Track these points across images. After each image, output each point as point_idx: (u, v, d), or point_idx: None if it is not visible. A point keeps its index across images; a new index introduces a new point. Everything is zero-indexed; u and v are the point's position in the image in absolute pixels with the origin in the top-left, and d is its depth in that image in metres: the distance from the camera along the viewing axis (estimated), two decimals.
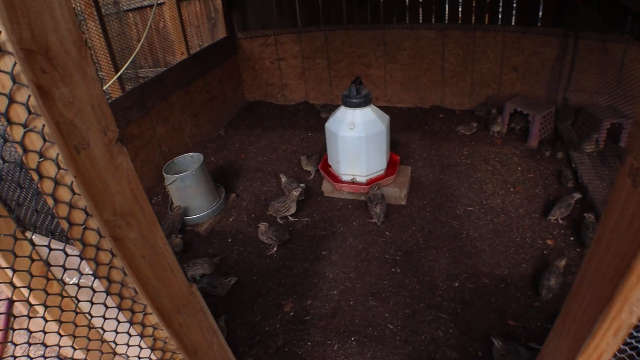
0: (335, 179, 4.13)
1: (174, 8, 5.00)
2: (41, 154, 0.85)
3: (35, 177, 0.88)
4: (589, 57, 4.64)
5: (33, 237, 1.74)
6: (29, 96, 0.79)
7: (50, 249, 1.02)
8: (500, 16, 5.20)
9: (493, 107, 5.26)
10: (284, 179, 4.16)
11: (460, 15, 5.38)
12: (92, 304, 1.14)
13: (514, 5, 5.11)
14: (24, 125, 0.81)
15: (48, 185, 0.89)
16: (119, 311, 1.22)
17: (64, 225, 0.96)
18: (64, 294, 1.21)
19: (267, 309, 3.08)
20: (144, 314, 1.22)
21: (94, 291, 1.12)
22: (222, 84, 5.85)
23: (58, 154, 0.86)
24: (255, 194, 4.41)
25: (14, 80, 0.77)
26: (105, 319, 1.23)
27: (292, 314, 3.02)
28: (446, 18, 5.43)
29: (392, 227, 3.75)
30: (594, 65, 4.58)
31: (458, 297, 3.02)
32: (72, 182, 0.91)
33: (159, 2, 4.93)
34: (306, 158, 4.52)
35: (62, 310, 1.14)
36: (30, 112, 0.80)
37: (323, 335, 2.83)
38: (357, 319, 2.93)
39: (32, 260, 1.01)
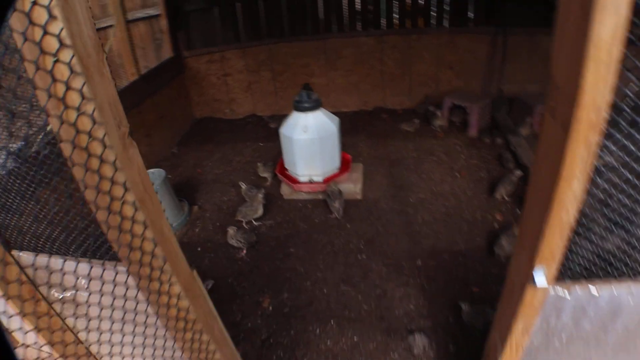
0: (293, 181, 4.30)
1: (124, 30, 5.06)
2: (90, 134, 0.99)
3: (84, 156, 1.01)
4: (518, 51, 5.11)
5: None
6: (84, 83, 0.93)
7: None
8: (434, 20, 5.63)
9: (432, 103, 5.64)
10: (244, 187, 4.29)
11: (397, 20, 5.76)
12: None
13: (447, 8, 5.54)
14: (77, 109, 0.95)
15: (94, 163, 1.03)
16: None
17: (106, 200, 1.09)
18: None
19: (246, 307, 3.19)
20: (170, 284, 1.35)
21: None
22: (171, 103, 5.91)
23: (105, 134, 1.01)
24: (216, 204, 4.51)
25: (71, 70, 0.91)
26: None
27: (271, 308, 3.15)
28: (383, 25, 5.80)
29: (352, 220, 3.97)
30: (523, 58, 5.05)
31: (423, 274, 3.25)
32: (114, 160, 1.05)
33: (109, 25, 4.99)
34: (262, 165, 4.67)
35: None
36: (83, 98, 0.95)
37: (304, 323, 2.99)
38: (333, 305, 3.10)
39: None
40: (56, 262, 1.34)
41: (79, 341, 1.47)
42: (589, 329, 1.76)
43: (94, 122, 0.98)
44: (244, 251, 3.71)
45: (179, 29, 5.89)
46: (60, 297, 1.41)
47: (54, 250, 1.60)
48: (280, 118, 4.68)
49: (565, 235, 1.20)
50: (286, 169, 4.42)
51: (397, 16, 5.81)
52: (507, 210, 3.81)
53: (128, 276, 1.31)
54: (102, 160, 1.04)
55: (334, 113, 4.44)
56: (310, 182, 4.22)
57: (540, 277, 1.28)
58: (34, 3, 0.80)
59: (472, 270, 3.24)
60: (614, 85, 0.93)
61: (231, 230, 3.65)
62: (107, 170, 1.06)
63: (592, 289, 1.56)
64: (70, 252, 1.51)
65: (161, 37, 5.79)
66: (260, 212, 4.02)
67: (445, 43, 5.55)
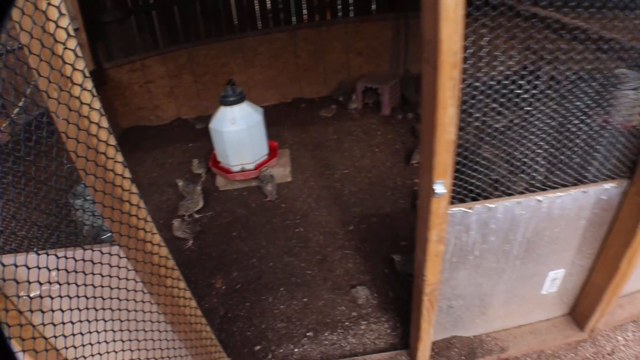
0: (227, 172, 4.56)
1: None
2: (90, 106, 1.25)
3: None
4: (419, 33, 5.64)
5: None
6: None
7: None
8: (340, 12, 6.10)
9: (345, 88, 6.09)
10: (180, 183, 4.47)
11: (306, 16, 6.15)
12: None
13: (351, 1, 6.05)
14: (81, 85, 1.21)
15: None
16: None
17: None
18: None
19: (200, 290, 3.41)
20: (152, 233, 1.60)
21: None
22: None
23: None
24: (156, 204, 4.67)
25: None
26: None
27: (224, 287, 3.40)
28: (294, 20, 6.18)
29: (286, 200, 4.31)
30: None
31: (356, 237, 3.64)
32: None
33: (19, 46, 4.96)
34: (197, 162, 4.88)
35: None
36: (85, 76, 1.21)
37: (256, 295, 3.27)
38: (280, 274, 3.41)
39: None
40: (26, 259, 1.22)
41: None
42: (495, 242, 2.17)
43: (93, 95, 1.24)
44: (191, 241, 3.92)
45: (98, 41, 5.91)
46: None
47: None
48: (206, 119, 4.90)
49: (451, 151, 1.57)
50: (219, 162, 4.66)
51: (306, 11, 6.21)
52: None
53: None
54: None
55: None
56: (243, 170, 4.49)
57: (439, 187, 1.64)
58: None
59: (400, 228, 3.67)
60: (462, 34, 1.31)
61: (176, 223, 3.85)
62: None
63: (489, 204, 1.97)
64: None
65: (82, 52, 5.78)
66: (200, 204, 4.24)
67: (353, 32, 6.01)
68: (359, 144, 5.10)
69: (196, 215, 4.27)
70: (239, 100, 4.25)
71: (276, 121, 6.01)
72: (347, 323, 2.97)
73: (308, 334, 2.93)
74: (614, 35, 1.82)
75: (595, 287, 2.54)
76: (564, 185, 2.09)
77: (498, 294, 2.47)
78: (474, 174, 1.93)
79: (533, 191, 2.05)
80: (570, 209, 2.15)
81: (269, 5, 6.19)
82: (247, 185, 4.59)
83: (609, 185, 2.13)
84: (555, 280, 2.54)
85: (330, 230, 3.77)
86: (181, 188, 4.50)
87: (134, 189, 1.49)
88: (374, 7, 6.14)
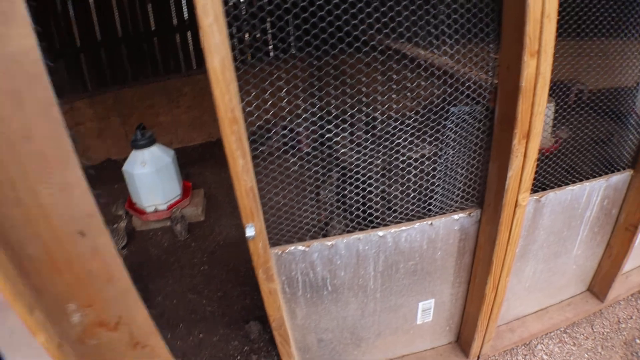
0: (141, 212, 4.52)
1: None
2: None
3: None
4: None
5: None
6: None
7: None
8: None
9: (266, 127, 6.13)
10: None
11: None
12: None
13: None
14: None
15: None
16: None
17: None
18: None
19: None
20: None
21: None
22: None
23: None
24: None
25: None
26: None
27: None
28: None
29: (196, 239, 4.32)
30: None
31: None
32: None
33: None
34: (115, 204, 4.83)
35: None
36: None
37: None
38: (181, 311, 3.38)
39: None
40: None
41: None
42: (346, 277, 2.21)
43: None
44: None
45: None
46: None
47: None
48: None
49: (252, 197, 1.62)
50: (134, 203, 4.62)
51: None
52: None
53: None
54: None
55: (184, 148, 4.77)
56: (156, 211, 4.46)
57: (249, 230, 1.69)
58: None
59: None
60: (235, 93, 1.37)
61: None
62: None
63: (327, 242, 2.02)
64: None
65: None
66: (125, 240, 4.23)
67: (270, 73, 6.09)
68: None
69: (123, 252, 4.21)
70: (149, 143, 4.27)
71: (201, 160, 6.04)
72: (238, 357, 2.96)
73: None
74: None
75: (471, 314, 2.61)
76: (409, 219, 2.15)
77: (368, 327, 2.50)
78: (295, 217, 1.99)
79: (376, 226, 2.11)
80: (420, 242, 2.22)
81: (191, 47, 6.29)
82: (161, 225, 4.56)
83: (458, 216, 2.21)
84: (428, 310, 2.59)
85: (234, 268, 3.78)
86: None
87: None
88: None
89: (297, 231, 2.01)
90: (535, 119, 1.80)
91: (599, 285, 3.14)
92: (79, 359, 1.28)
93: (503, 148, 1.91)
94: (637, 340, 2.94)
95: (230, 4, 1.38)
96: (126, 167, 4.33)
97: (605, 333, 3.04)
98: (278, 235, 2.01)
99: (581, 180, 2.50)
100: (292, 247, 2.00)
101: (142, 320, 1.36)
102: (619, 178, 2.62)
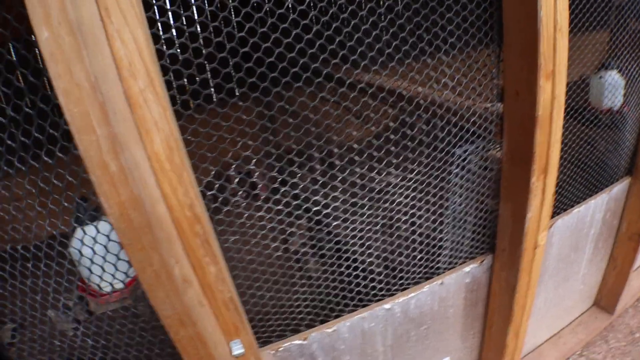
0: (97, 294, 3.97)
1: None
2: None
3: None
4: None
5: None
6: None
7: None
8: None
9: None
10: (52, 314, 3.84)
11: None
12: None
13: None
14: None
15: None
16: None
17: None
18: None
19: None
20: None
21: None
22: None
23: None
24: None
25: None
26: None
27: None
28: None
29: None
30: None
31: None
32: None
33: None
34: (70, 290, 4.26)
35: None
36: None
37: None
38: None
39: None
40: None
41: None
42: (354, 358, 1.81)
43: None
44: None
45: None
46: None
47: None
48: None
49: (234, 309, 1.22)
50: (88, 285, 4.07)
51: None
52: None
53: None
54: None
55: None
56: (114, 291, 3.92)
57: (237, 348, 1.28)
58: None
59: None
60: (192, 181, 0.98)
61: None
62: None
63: (326, 329, 1.62)
64: None
65: None
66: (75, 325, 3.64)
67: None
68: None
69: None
70: (94, 217, 3.73)
71: None
72: None
73: None
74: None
75: None
76: (417, 283, 1.79)
77: None
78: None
79: (380, 299, 1.72)
80: (431, 304, 1.86)
81: None
82: (121, 304, 4.01)
83: (469, 267, 1.87)
84: None
85: None
86: (54, 319, 3.85)
87: None
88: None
89: (288, 323, 1.60)
90: (553, 150, 1.48)
91: (606, 298, 2.87)
92: None
93: (516, 187, 1.58)
94: None
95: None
96: (73, 246, 3.79)
97: (621, 347, 2.76)
98: (267, 332, 1.60)
99: (585, 198, 2.22)
100: (287, 344, 1.58)
101: None
102: (619, 188, 2.36)
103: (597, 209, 2.28)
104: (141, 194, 0.92)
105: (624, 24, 2.22)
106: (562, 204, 2.13)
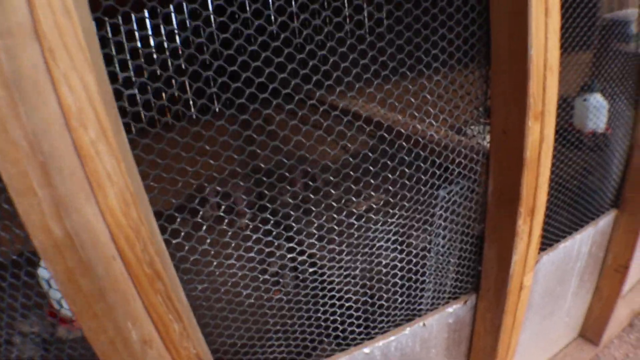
0: (68, 320, 3.82)
1: None
2: None
3: None
4: None
5: None
6: None
7: None
8: None
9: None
10: (19, 340, 3.68)
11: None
12: None
13: None
14: None
15: None
16: None
17: None
18: None
19: None
20: None
21: None
22: None
23: None
24: None
25: None
26: None
27: None
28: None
29: None
30: None
31: None
32: None
33: None
34: (27, 318, 4.09)
35: None
36: None
37: None
38: None
39: None
40: None
41: None
42: None
43: None
44: None
45: None
46: None
47: None
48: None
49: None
50: (57, 310, 3.91)
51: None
52: None
53: None
54: None
55: None
56: None
57: None
58: None
59: None
60: (155, 234, 0.89)
61: None
62: None
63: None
64: None
65: None
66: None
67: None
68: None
69: None
70: None
71: None
72: None
73: None
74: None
75: None
76: (397, 325, 1.71)
77: None
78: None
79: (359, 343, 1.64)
80: (412, 346, 1.77)
81: None
82: None
83: (452, 308, 1.79)
84: None
85: None
86: (19, 346, 3.69)
87: None
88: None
89: None
90: (540, 192, 1.42)
91: (591, 330, 2.81)
92: None
93: (501, 228, 1.52)
94: None
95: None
96: (41, 271, 3.64)
97: None
98: None
99: (571, 232, 2.16)
100: None
101: None
102: (605, 221, 2.32)
103: (583, 243, 2.23)
104: (91, 258, 0.83)
105: (606, 45, 2.19)
106: (548, 239, 2.07)
